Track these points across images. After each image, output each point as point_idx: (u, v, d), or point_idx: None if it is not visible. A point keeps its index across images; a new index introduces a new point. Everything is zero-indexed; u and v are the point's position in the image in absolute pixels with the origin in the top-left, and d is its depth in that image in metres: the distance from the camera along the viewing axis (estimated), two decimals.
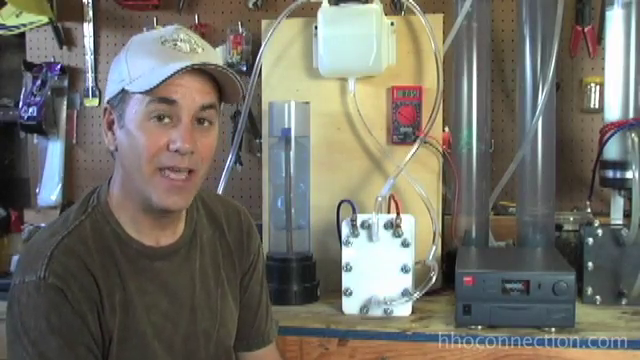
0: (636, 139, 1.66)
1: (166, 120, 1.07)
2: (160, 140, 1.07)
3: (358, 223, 1.56)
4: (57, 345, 1.04)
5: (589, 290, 1.63)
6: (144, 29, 2.42)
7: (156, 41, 1.10)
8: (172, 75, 1.04)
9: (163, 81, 1.04)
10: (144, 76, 1.06)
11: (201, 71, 1.09)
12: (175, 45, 1.09)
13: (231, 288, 1.27)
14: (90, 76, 2.50)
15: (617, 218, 1.77)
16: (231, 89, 1.13)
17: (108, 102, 1.12)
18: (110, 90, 1.12)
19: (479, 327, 1.46)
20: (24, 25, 2.49)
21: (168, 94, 1.06)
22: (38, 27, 2.51)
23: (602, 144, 1.75)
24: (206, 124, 1.11)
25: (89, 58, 2.50)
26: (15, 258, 2.10)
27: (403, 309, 1.56)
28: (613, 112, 1.76)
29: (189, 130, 1.07)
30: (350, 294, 1.58)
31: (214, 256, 1.25)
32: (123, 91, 1.08)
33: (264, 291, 1.36)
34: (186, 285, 1.19)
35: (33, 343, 1.04)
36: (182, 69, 1.04)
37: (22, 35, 2.54)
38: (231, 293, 1.27)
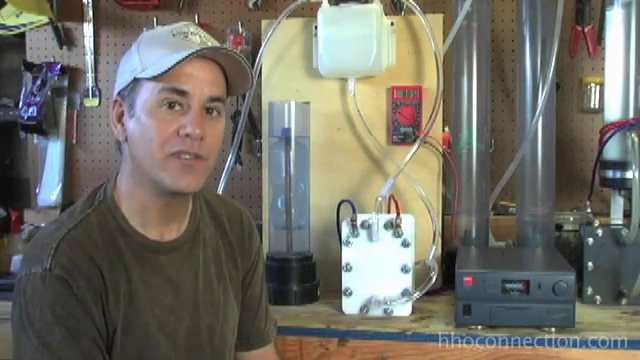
0: (636, 139, 1.66)
1: (177, 107, 1.09)
2: (171, 126, 1.09)
3: (358, 223, 1.56)
4: (61, 336, 1.05)
5: (589, 290, 1.63)
6: (144, 29, 2.42)
7: (167, 34, 1.12)
8: (184, 59, 1.06)
9: (174, 65, 1.05)
10: (155, 64, 1.08)
11: (212, 62, 1.11)
12: (186, 37, 1.11)
13: (233, 285, 1.29)
14: (90, 76, 2.50)
15: (617, 218, 1.77)
16: (240, 78, 1.15)
17: (118, 94, 1.13)
18: (120, 82, 1.13)
19: (479, 327, 1.46)
20: (24, 25, 2.49)
21: (179, 84, 1.08)
22: (38, 27, 2.51)
23: (602, 144, 1.75)
24: (214, 114, 1.13)
25: (89, 58, 2.50)
26: (15, 258, 2.10)
27: (403, 309, 1.56)
28: (613, 112, 1.76)
29: (199, 116, 1.10)
30: (350, 294, 1.58)
31: (216, 253, 1.26)
32: (134, 80, 1.10)
33: (264, 291, 1.38)
34: (189, 280, 1.20)
35: (38, 334, 1.05)
36: (194, 53, 1.07)
37: (22, 35, 2.54)
38: (233, 290, 1.28)
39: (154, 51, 1.10)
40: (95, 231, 1.12)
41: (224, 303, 1.26)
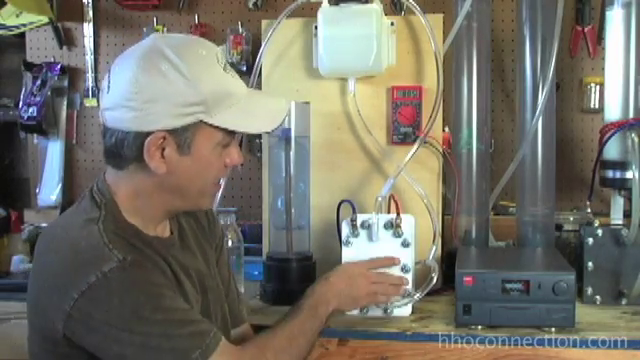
0: (636, 139, 1.66)
1: None
2: (222, 160, 1.19)
3: (358, 223, 1.56)
4: (167, 308, 1.09)
5: (589, 290, 1.63)
6: (144, 29, 2.43)
7: (214, 64, 1.14)
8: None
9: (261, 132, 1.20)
10: (229, 112, 1.14)
11: None
12: (231, 73, 1.16)
13: (215, 266, 1.36)
14: (90, 76, 2.50)
15: (617, 218, 1.77)
16: None
17: (168, 131, 1.10)
18: (167, 118, 1.10)
19: (479, 327, 1.46)
20: (24, 25, 2.50)
21: None
22: (38, 27, 2.51)
23: (602, 144, 1.75)
24: None
25: (89, 58, 2.50)
26: (15, 258, 2.09)
27: (403, 309, 1.56)
28: (613, 112, 1.76)
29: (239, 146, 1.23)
30: None
31: (197, 240, 1.32)
32: (198, 122, 1.12)
33: (232, 274, 1.44)
34: (194, 268, 1.26)
35: (146, 321, 1.06)
36: (275, 128, 1.27)
37: (22, 35, 2.54)
38: (216, 269, 1.36)
39: (213, 87, 1.12)
40: (117, 226, 1.13)
41: (218, 285, 1.33)
